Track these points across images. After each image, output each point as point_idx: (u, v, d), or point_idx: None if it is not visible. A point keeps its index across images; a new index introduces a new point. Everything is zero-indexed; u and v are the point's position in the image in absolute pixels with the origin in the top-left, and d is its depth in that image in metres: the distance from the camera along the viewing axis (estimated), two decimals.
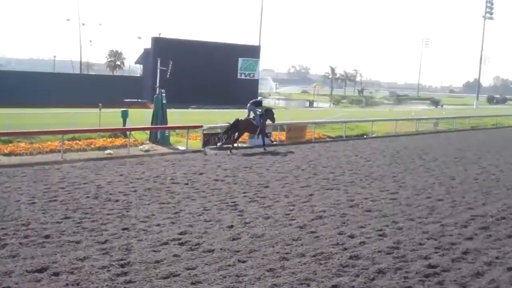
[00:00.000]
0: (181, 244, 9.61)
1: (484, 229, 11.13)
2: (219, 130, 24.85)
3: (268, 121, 24.36)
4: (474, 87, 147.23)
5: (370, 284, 8.04)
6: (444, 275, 8.46)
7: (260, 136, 24.18)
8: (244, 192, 14.28)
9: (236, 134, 23.49)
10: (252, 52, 68.50)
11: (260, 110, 24.58)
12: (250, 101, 25.32)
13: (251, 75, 67.00)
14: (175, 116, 29.80)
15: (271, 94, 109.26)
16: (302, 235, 10.36)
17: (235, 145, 23.58)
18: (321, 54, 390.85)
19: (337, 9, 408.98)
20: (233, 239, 9.97)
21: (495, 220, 11.95)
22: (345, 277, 8.22)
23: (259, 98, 29.46)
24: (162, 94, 24.42)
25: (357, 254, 9.27)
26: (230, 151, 22.31)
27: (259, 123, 23.79)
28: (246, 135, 25.02)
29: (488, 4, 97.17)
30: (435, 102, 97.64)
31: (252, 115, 24.21)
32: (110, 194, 13.51)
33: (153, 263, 8.60)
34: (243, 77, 65.93)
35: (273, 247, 9.57)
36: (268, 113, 24.55)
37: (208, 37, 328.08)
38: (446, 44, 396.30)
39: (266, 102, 79.66)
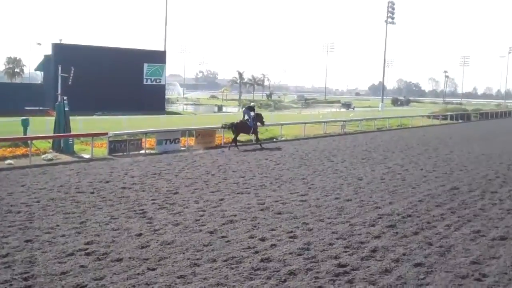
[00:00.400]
0: (88, 254, 9.25)
1: (391, 227, 11.40)
2: (125, 137, 24.51)
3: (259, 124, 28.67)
4: (379, 89, 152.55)
5: (282, 286, 8.03)
6: (353, 273, 8.57)
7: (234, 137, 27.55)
8: (152, 199, 13.99)
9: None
10: (158, 57, 67.81)
11: (252, 114, 28.65)
12: (245, 107, 31.41)
13: (157, 80, 66.27)
14: (79, 123, 29.02)
15: (179, 100, 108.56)
16: (213, 240, 10.23)
17: (233, 144, 27.09)
18: (228, 59, 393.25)
19: (244, 14, 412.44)
20: (142, 247, 9.72)
21: (402, 218, 12.27)
22: (256, 280, 8.18)
23: (252, 104, 35.26)
24: (64, 102, 23.68)
25: (269, 256, 9.25)
26: (229, 148, 26.44)
27: (252, 125, 28.13)
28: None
29: (390, 9, 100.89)
30: (347, 105, 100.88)
31: (246, 117, 28.47)
32: (11, 205, 12.87)
33: (58, 275, 8.22)
34: (149, 82, 65.07)
35: (183, 253, 9.40)
36: (259, 116, 29.07)
37: (113, 43, 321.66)
38: (351, 48, 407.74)
39: (174, 108, 79.31)
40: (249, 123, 28.15)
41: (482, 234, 10.97)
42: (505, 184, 17.08)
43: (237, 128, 27.64)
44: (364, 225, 11.61)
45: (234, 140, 27.31)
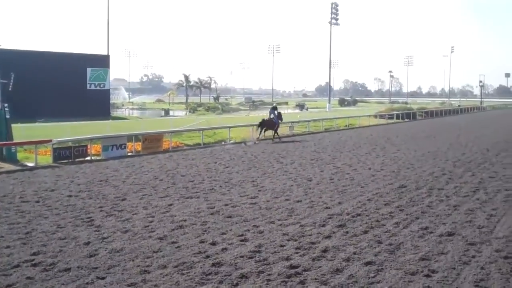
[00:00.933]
0: (34, 265, 8.96)
1: (341, 227, 11.45)
2: (70, 144, 24.09)
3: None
4: (325, 90, 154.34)
5: None
6: (305, 274, 8.56)
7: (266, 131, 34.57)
8: (100, 207, 13.69)
9: (264, 129, 34.09)
10: (101, 61, 66.83)
11: (276, 112, 35.19)
12: (270, 107, 38.27)
13: (101, 85, 65.31)
14: (22, 131, 28.26)
15: (124, 104, 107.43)
16: (163, 246, 10.07)
17: (260, 136, 33.75)
18: (174, 62, 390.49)
19: (189, 16, 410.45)
20: (91, 256, 9.48)
21: (351, 217, 12.35)
22: (208, 285, 8.07)
23: (274, 104, 44.49)
24: (5, 109, 23.07)
25: (220, 260, 9.15)
26: (258, 139, 33.33)
27: (277, 122, 34.80)
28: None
29: (333, 11, 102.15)
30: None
31: (271, 116, 34.99)
32: None
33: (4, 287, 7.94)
34: (93, 87, 64.07)
35: (133, 260, 9.21)
36: (279, 115, 35.81)
37: (54, 47, 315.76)
38: (297, 49, 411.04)
39: (120, 113, 78.35)
40: (274, 120, 34.70)
41: (430, 230, 11.13)
42: (451, 180, 17.42)
43: (265, 124, 34.17)
44: (315, 225, 11.63)
45: (260, 133, 33.80)
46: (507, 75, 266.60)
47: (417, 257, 9.33)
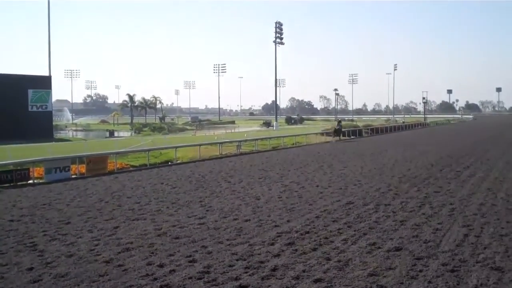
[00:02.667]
0: None
1: (290, 245, 11.41)
2: (11, 167, 23.49)
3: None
4: (272, 108, 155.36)
5: None
6: None
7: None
8: (43, 231, 13.31)
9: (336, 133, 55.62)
10: (43, 82, 65.64)
11: (340, 124, 59.07)
12: (337, 121, 63.42)
13: (44, 106, 64.10)
14: None
15: (68, 126, 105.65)
16: (109, 269, 9.81)
17: (338, 138, 54.20)
18: (118, 82, 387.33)
19: (133, 35, 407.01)
20: (34, 282, 9.20)
21: (300, 235, 12.33)
22: None
23: (339, 119, 67.54)
24: None
25: (168, 283, 8.97)
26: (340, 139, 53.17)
27: (340, 129, 56.80)
28: None
29: (278, 30, 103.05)
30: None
31: (338, 126, 56.36)
32: None
33: None
34: (34, 109, 62.79)
35: (78, 285, 8.95)
36: (340, 123, 60.35)
37: None
38: (243, 68, 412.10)
39: (63, 134, 76.86)
40: (340, 128, 57.11)
41: (378, 246, 11.19)
42: (397, 196, 17.64)
43: (336, 131, 55.53)
44: (264, 244, 11.55)
45: (337, 135, 54.95)
46: (449, 91, 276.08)
47: (365, 273, 9.35)
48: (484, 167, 25.67)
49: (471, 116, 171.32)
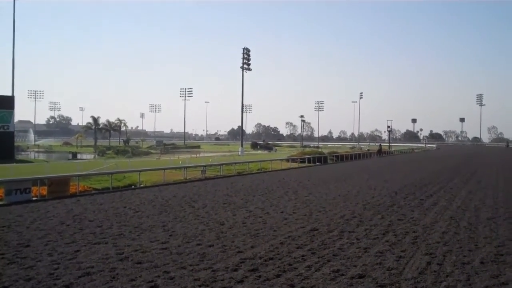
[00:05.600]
0: None
1: (253, 271, 11.30)
2: None
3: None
4: (238, 133, 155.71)
5: None
6: None
7: None
8: (1, 254, 12.95)
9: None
10: (5, 102, 64.62)
11: (380, 145, 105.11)
12: (378, 144, 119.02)
13: (5, 127, 63.09)
14: None
15: (30, 147, 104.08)
16: None
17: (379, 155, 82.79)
18: (83, 104, 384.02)
19: (96, 56, 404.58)
20: None
21: (264, 261, 12.24)
22: None
23: (380, 143, 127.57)
24: None
25: None
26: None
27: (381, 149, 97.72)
28: None
29: (245, 56, 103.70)
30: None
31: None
32: None
33: None
34: None
35: None
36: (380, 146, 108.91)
37: None
38: (210, 93, 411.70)
39: (25, 156, 75.54)
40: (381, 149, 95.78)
41: (342, 273, 11.16)
42: (362, 223, 17.70)
43: (380, 150, 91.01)
44: (227, 270, 11.42)
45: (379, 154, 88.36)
46: (414, 120, 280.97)
47: None
48: (447, 195, 26.03)
49: (434, 145, 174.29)
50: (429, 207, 21.63)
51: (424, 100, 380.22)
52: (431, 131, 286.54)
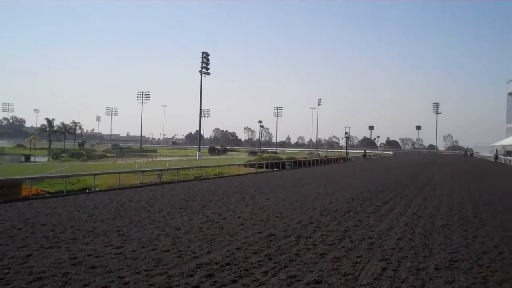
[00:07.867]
0: None
1: (209, 276, 11.20)
2: None
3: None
4: (196, 138, 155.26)
5: None
6: None
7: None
8: None
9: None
10: None
11: (365, 151, 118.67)
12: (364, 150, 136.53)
13: None
14: None
15: None
16: None
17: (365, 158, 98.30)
18: (37, 105, 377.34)
19: (52, 57, 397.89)
20: None
21: (220, 266, 12.14)
22: None
23: (365, 150, 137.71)
24: None
25: None
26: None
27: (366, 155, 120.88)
28: None
29: (204, 60, 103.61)
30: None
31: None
32: None
33: None
34: None
35: None
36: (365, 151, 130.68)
37: None
38: (168, 97, 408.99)
39: None
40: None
41: (298, 278, 11.14)
42: (318, 229, 17.74)
43: (364, 154, 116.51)
44: (182, 275, 11.29)
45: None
46: (371, 127, 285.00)
47: None
48: (403, 202, 26.33)
49: (391, 152, 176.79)
50: (385, 214, 21.82)
51: (381, 108, 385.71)
52: (388, 138, 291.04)
